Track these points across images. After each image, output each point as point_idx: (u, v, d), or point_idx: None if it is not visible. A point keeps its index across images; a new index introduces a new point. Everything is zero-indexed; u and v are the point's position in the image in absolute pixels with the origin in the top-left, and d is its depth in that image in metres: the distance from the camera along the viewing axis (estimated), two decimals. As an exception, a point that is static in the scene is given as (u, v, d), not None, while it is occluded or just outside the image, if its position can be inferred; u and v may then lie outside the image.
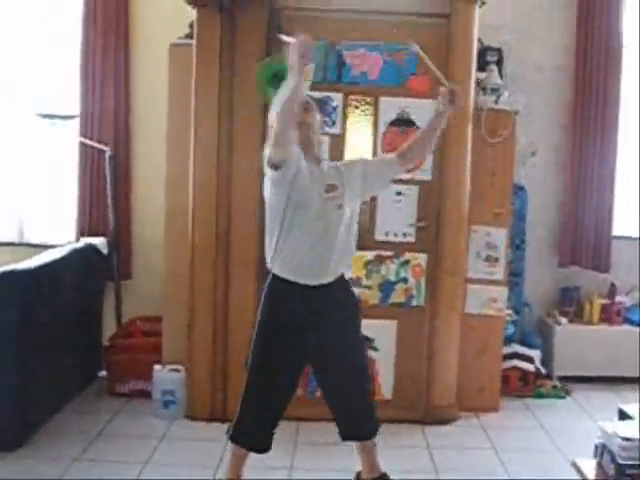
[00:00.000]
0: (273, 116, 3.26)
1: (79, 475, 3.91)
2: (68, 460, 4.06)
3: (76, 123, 5.47)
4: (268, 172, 3.34)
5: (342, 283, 3.50)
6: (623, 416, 3.39)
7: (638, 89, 5.70)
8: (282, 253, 3.39)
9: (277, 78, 3.48)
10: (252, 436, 3.55)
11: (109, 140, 5.40)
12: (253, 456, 4.12)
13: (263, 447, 3.57)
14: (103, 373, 5.23)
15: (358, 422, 3.59)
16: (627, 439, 2.87)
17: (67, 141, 5.57)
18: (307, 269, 3.37)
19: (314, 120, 3.48)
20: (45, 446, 4.23)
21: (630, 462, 2.83)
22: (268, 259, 3.47)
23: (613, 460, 2.87)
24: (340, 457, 4.10)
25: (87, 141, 5.38)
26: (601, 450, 2.99)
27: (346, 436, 3.61)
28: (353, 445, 3.67)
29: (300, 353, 3.46)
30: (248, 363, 3.51)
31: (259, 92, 3.80)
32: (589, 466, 3.04)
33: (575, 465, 3.11)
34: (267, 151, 3.29)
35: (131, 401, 4.96)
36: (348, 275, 3.58)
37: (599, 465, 3.00)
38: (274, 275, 3.45)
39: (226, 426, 4.52)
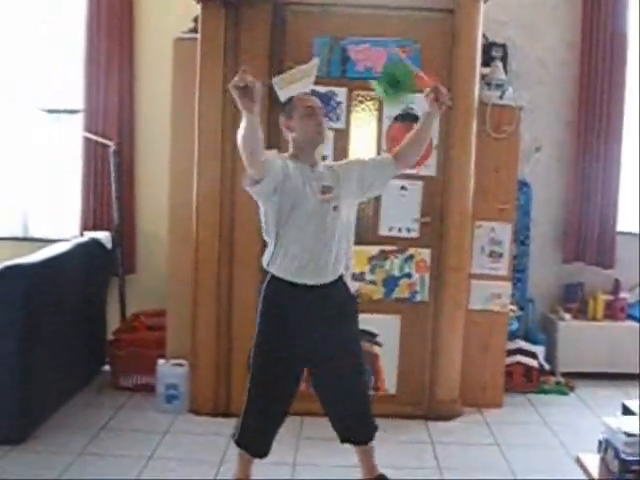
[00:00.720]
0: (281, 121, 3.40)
1: (83, 469, 3.92)
2: (72, 454, 4.07)
3: (80, 118, 5.48)
4: (253, 188, 3.32)
5: (340, 284, 3.49)
6: (627, 412, 3.39)
7: (641, 85, 5.70)
8: (279, 255, 3.39)
9: (395, 81, 3.57)
10: (253, 441, 3.57)
11: (113, 135, 5.41)
12: None
13: (262, 452, 3.58)
14: (107, 367, 5.24)
15: (355, 426, 3.59)
16: (631, 435, 2.87)
17: (71, 136, 5.57)
18: (304, 270, 3.36)
19: (317, 126, 3.45)
20: (49, 440, 4.23)
21: (634, 457, 2.83)
22: (265, 261, 3.46)
23: (617, 455, 2.87)
24: (344, 452, 4.10)
25: (91, 136, 5.39)
26: (605, 446, 2.99)
27: (344, 439, 3.62)
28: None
29: (299, 354, 3.44)
30: (250, 364, 3.51)
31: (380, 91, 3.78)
32: (593, 461, 3.04)
33: (579, 460, 3.11)
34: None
35: (135, 395, 4.97)
36: (347, 276, 3.56)
37: (603, 460, 3.00)
38: (272, 276, 3.44)
39: (230, 421, 4.57)
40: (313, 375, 3.58)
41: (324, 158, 4.56)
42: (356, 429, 3.59)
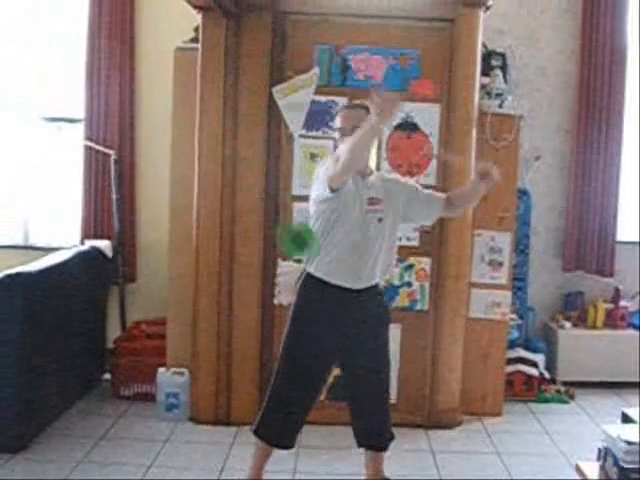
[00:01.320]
0: (341, 148, 3.37)
1: (83, 477, 3.92)
2: (72, 462, 4.07)
3: (81, 127, 5.49)
4: (324, 189, 3.38)
5: (376, 292, 3.57)
6: (626, 420, 3.39)
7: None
8: (319, 256, 3.46)
9: (298, 240, 3.50)
10: (275, 431, 3.58)
11: (114, 143, 5.43)
12: (247, 459, 4.13)
13: (285, 444, 3.60)
14: (107, 376, 5.24)
15: (375, 431, 3.62)
16: (630, 443, 2.86)
17: (72, 144, 5.58)
18: (340, 273, 3.42)
19: (350, 129, 3.45)
20: (49, 448, 4.24)
21: (633, 466, 2.82)
22: (305, 259, 3.55)
23: (616, 464, 2.86)
24: (343, 462, 4.12)
25: (92, 144, 5.40)
26: (604, 454, 2.98)
27: (362, 443, 3.64)
28: (357, 450, 3.69)
29: (329, 351, 3.51)
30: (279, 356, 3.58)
31: (282, 249, 3.80)
32: (592, 470, 3.03)
33: (578, 469, 3.10)
34: (331, 172, 3.34)
35: (135, 404, 4.97)
36: (381, 283, 3.65)
37: (602, 469, 2.99)
38: (308, 273, 3.51)
39: (230, 429, 4.59)
40: (344, 375, 3.64)
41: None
42: (374, 435, 3.63)
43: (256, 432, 3.59)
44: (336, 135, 3.58)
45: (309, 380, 3.54)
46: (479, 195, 3.62)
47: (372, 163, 4.45)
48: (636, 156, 5.79)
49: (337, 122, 3.55)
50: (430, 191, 3.76)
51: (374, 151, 4.65)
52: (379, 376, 3.59)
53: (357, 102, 3.67)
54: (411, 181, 3.92)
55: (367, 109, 3.33)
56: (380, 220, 3.48)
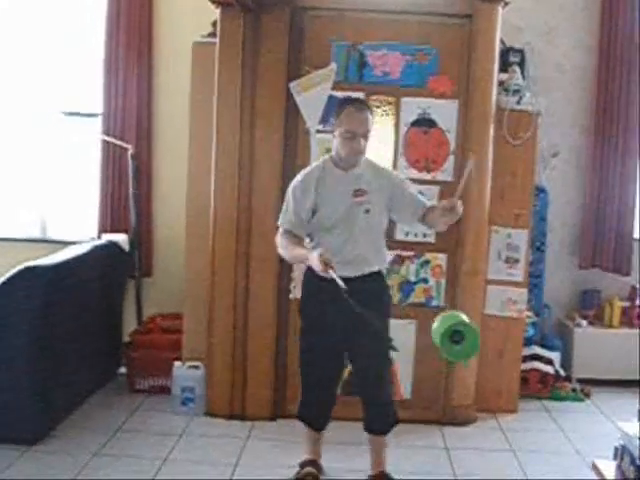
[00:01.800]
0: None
1: (98, 470, 3.94)
2: (87, 455, 4.09)
3: (99, 121, 5.51)
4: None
5: (373, 278, 3.69)
6: (643, 418, 3.38)
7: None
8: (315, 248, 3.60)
9: (452, 333, 3.39)
10: (310, 415, 3.91)
11: (131, 138, 5.44)
12: (262, 454, 4.22)
13: (318, 426, 3.91)
14: (123, 369, 5.26)
15: (377, 412, 3.80)
16: (647, 441, 2.86)
17: (90, 139, 5.60)
18: (338, 266, 3.44)
19: (352, 151, 3.57)
20: (65, 441, 4.26)
21: (650, 464, 2.82)
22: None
23: (633, 462, 2.86)
24: (350, 455, 4.13)
25: (110, 139, 5.42)
26: (621, 452, 2.98)
27: (366, 427, 3.85)
28: (364, 443, 3.90)
29: (338, 337, 3.66)
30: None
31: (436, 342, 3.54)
32: (609, 468, 3.02)
33: (595, 467, 3.09)
34: (280, 219, 3.76)
35: (150, 397, 4.99)
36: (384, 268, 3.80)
37: (619, 467, 2.98)
38: (308, 267, 3.62)
39: (245, 423, 4.63)
40: (350, 359, 3.82)
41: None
42: (378, 416, 3.81)
43: (299, 417, 3.93)
44: (336, 133, 3.59)
45: (326, 366, 3.74)
46: (439, 228, 3.74)
47: (388, 160, 4.48)
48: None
49: (344, 121, 3.55)
50: (417, 195, 3.78)
51: (392, 148, 4.66)
52: (378, 358, 3.72)
53: (358, 100, 3.77)
54: (401, 176, 3.98)
55: (370, 109, 3.65)
56: (367, 211, 3.61)
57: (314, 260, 3.36)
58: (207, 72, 4.61)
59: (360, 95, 4.57)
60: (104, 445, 4.24)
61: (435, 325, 3.47)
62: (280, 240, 3.68)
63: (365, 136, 3.57)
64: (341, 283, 3.25)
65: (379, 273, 3.73)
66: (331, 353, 3.73)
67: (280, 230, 3.71)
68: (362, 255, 3.62)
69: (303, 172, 3.75)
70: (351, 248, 3.59)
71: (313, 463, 3.94)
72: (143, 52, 5.45)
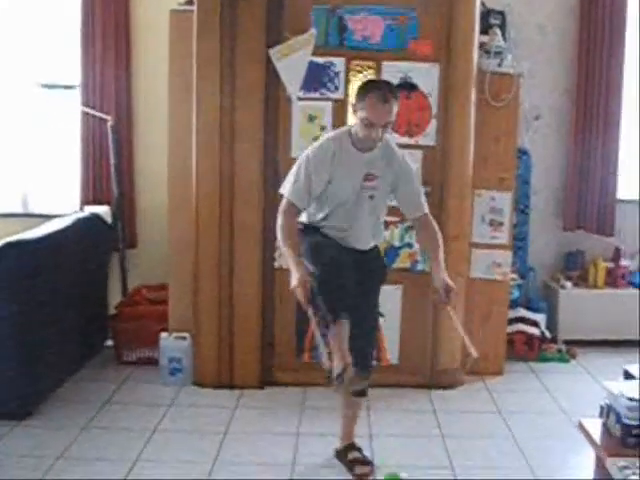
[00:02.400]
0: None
1: (88, 443, 3.94)
2: (77, 428, 4.09)
3: (77, 93, 5.45)
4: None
5: (372, 251, 3.73)
6: (628, 377, 3.41)
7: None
8: (313, 222, 3.61)
9: None
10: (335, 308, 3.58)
11: (111, 109, 5.38)
12: (251, 422, 4.24)
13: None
14: (110, 342, 5.25)
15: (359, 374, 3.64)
16: (633, 399, 2.88)
17: (69, 111, 5.55)
18: (339, 240, 3.55)
19: (370, 137, 3.46)
20: (53, 415, 4.26)
21: (635, 422, 2.83)
22: (306, 218, 3.63)
23: (619, 420, 2.88)
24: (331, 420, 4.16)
25: (89, 110, 5.36)
26: (607, 410, 3.00)
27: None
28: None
29: (349, 268, 3.53)
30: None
31: None
32: (595, 427, 3.05)
33: (581, 426, 3.12)
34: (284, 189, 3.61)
35: (138, 369, 4.98)
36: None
37: (604, 426, 3.01)
38: (304, 224, 3.62)
39: (233, 392, 4.62)
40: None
41: (323, 129, 4.56)
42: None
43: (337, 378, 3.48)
44: (357, 114, 3.46)
45: (339, 266, 3.50)
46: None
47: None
48: (636, 114, 5.75)
49: (366, 109, 3.40)
50: (419, 198, 3.71)
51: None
52: (370, 318, 3.74)
53: (385, 87, 3.51)
54: (413, 165, 3.83)
55: (396, 96, 3.47)
56: (372, 197, 3.57)
57: (298, 280, 3.30)
58: (185, 40, 4.55)
59: (341, 60, 4.55)
60: (93, 418, 4.24)
61: None
62: (282, 218, 3.51)
63: (386, 126, 3.46)
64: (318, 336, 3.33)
65: (374, 248, 3.76)
66: (351, 286, 3.50)
67: (284, 202, 3.55)
68: (363, 236, 3.63)
69: (319, 144, 3.60)
70: (353, 231, 3.59)
71: (353, 447, 3.80)
72: (120, 21, 5.37)
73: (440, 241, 3.68)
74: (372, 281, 3.70)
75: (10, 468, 3.64)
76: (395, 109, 3.45)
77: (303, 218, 3.62)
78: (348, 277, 3.47)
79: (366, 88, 3.50)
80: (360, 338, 3.65)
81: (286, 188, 3.57)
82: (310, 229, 3.62)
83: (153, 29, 5.26)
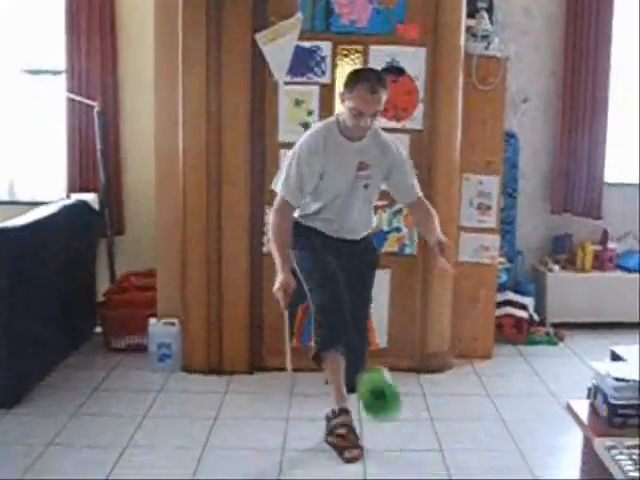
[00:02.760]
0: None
1: (78, 430, 3.93)
2: (66, 415, 4.08)
3: (63, 79, 5.41)
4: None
5: (364, 240, 3.78)
6: (615, 358, 3.42)
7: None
8: (311, 213, 3.65)
9: (376, 394, 3.56)
10: (334, 333, 3.67)
11: (97, 95, 5.34)
12: (241, 407, 4.25)
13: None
14: (99, 329, 5.24)
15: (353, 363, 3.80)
16: (619, 379, 2.89)
17: (55, 97, 5.51)
18: (331, 232, 3.62)
19: (358, 127, 3.49)
20: (42, 403, 4.25)
21: (622, 402, 2.85)
22: (299, 213, 3.69)
23: (606, 400, 2.89)
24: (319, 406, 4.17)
25: (75, 97, 5.33)
26: (594, 391, 3.01)
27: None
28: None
29: (335, 262, 3.66)
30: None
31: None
32: (582, 407, 3.06)
33: (569, 407, 3.13)
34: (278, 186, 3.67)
35: (127, 356, 4.98)
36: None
37: (592, 406, 3.02)
38: (296, 222, 3.65)
39: (222, 378, 4.61)
40: None
41: (310, 113, 4.55)
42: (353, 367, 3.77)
43: (321, 350, 3.67)
44: (345, 103, 3.48)
45: (335, 284, 3.64)
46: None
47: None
48: (624, 97, 5.75)
49: (354, 99, 3.41)
50: (412, 184, 3.79)
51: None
52: (364, 301, 3.85)
53: (374, 77, 3.53)
54: (404, 154, 3.87)
55: (385, 85, 3.48)
56: (366, 186, 3.60)
57: (280, 283, 3.38)
58: (171, 25, 4.51)
59: (327, 45, 4.53)
60: (82, 405, 4.23)
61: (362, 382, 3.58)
62: (276, 217, 3.54)
63: (374, 115, 3.48)
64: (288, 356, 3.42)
65: (366, 237, 3.83)
66: (337, 273, 3.66)
67: (278, 200, 3.57)
68: (356, 226, 3.68)
69: (308, 138, 3.60)
70: (346, 222, 3.62)
71: (346, 412, 3.77)
72: (105, 4, 5.32)
73: (434, 215, 3.80)
74: (363, 276, 3.74)
75: (0, 455, 3.63)
76: (384, 98, 3.46)
77: (295, 212, 3.65)
78: (334, 265, 3.63)
79: (354, 79, 3.49)
80: (354, 335, 3.75)
81: (279, 185, 3.56)
82: (300, 228, 3.63)
83: (139, 12, 5.22)
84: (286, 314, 3.43)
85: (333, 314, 3.64)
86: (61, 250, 4.74)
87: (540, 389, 4.59)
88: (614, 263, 5.77)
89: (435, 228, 3.72)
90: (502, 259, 5.27)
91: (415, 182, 3.77)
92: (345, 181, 3.54)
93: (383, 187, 3.91)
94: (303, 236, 3.67)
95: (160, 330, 4.76)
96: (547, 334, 5.45)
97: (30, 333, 4.27)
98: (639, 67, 5.70)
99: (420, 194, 3.76)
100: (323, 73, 4.57)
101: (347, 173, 3.53)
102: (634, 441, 2.63)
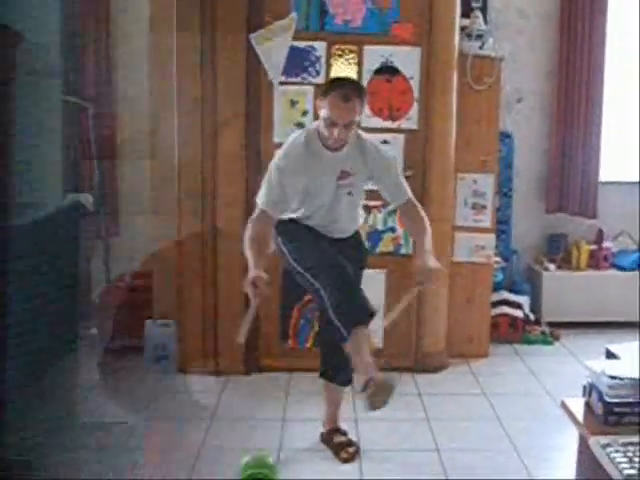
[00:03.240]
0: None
1: (71, 432, 3.92)
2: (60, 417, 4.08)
3: (58, 80, 5.40)
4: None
5: (352, 237, 3.70)
6: (610, 356, 3.43)
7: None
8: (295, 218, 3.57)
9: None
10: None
11: (92, 96, 5.33)
12: (237, 408, 4.23)
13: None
14: (94, 330, 5.23)
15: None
16: (614, 377, 2.89)
17: (50, 98, 5.49)
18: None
19: (332, 138, 3.34)
20: (37, 403, 4.24)
21: (617, 400, 2.85)
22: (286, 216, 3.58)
23: (601, 398, 2.90)
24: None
25: (70, 98, 5.31)
26: (589, 389, 3.02)
27: (332, 377, 3.79)
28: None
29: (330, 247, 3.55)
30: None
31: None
32: (577, 405, 3.06)
33: (564, 405, 3.14)
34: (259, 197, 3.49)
35: (123, 357, 4.97)
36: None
37: (587, 404, 3.03)
38: (281, 221, 3.51)
39: (218, 379, 4.61)
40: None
41: (304, 113, 4.55)
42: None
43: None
44: (320, 112, 3.35)
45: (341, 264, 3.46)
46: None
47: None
48: (618, 96, 5.76)
49: (327, 108, 3.28)
50: (399, 187, 3.59)
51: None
52: None
53: (348, 85, 3.39)
54: (392, 157, 3.67)
55: (361, 95, 3.34)
56: (350, 193, 3.51)
57: (250, 278, 3.17)
58: (165, 20, 4.50)
59: (322, 45, 4.53)
60: (77, 406, 4.23)
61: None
62: (252, 228, 3.35)
63: (349, 126, 3.31)
64: (244, 330, 3.23)
65: (355, 233, 3.74)
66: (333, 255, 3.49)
67: (257, 212, 3.41)
68: (343, 228, 3.61)
69: (287, 150, 3.44)
70: (333, 226, 3.56)
71: (338, 431, 3.84)
72: (100, 8, 5.32)
73: (425, 225, 3.55)
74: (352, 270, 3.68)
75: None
76: (359, 109, 3.31)
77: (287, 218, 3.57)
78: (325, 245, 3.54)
79: (329, 86, 3.39)
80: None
81: (260, 198, 3.44)
82: (288, 224, 3.56)
83: (132, 13, 5.23)
84: (256, 302, 3.25)
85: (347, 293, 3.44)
86: (56, 251, 4.72)
87: (536, 388, 4.59)
88: (609, 262, 5.77)
89: (424, 250, 3.48)
90: (497, 258, 5.28)
91: (404, 185, 3.60)
92: (327, 193, 3.45)
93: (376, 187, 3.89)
94: (293, 229, 3.56)
95: (156, 331, 4.75)
96: (543, 333, 5.46)
97: (24, 334, 4.25)
98: (638, 67, 5.71)
99: (410, 196, 3.60)
100: (318, 73, 4.57)
101: (329, 184, 3.44)
102: (629, 438, 2.64)
